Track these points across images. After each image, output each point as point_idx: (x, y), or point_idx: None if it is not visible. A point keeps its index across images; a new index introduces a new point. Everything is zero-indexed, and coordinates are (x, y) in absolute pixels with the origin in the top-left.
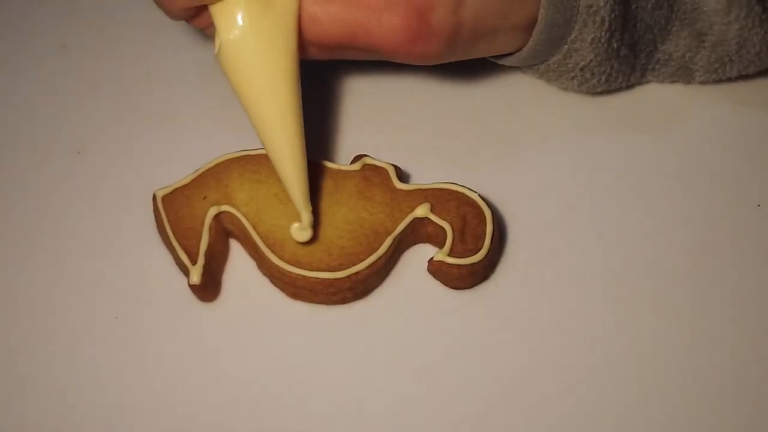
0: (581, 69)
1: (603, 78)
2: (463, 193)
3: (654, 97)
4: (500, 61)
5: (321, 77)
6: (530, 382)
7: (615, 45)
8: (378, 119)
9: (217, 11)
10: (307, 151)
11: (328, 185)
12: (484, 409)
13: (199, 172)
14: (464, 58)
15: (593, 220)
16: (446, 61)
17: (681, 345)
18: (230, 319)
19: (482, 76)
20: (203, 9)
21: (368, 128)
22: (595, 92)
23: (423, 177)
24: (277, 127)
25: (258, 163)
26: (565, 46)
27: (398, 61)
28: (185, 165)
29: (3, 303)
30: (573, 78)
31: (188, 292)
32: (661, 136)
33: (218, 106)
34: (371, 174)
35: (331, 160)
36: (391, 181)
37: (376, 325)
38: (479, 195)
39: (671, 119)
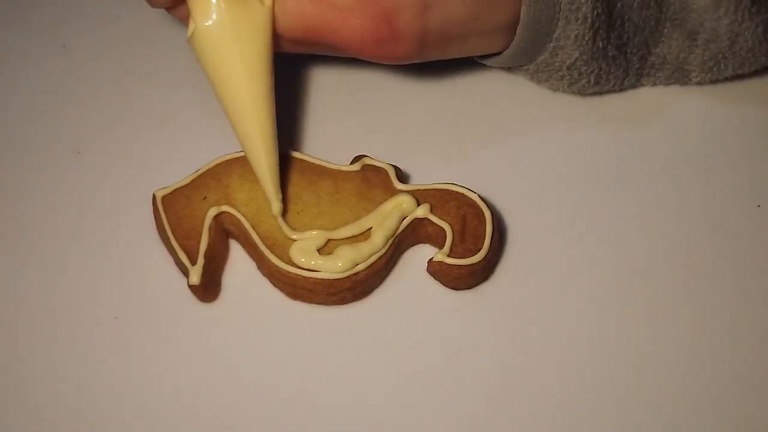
0: (568, 68)
1: (592, 79)
2: (462, 194)
3: (655, 99)
4: (488, 62)
5: (321, 77)
6: (530, 382)
7: (600, 44)
8: (378, 119)
9: None
10: (306, 151)
11: (328, 185)
12: (484, 409)
13: (199, 172)
14: (438, 59)
15: (593, 221)
16: (419, 61)
17: (681, 345)
18: (230, 319)
19: (482, 76)
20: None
21: (368, 128)
22: (586, 93)
23: (423, 177)
24: (250, 113)
25: None
26: (551, 44)
27: (366, 59)
28: (185, 165)
29: (3, 303)
30: (562, 78)
31: (188, 292)
32: (662, 138)
33: (218, 107)
34: (371, 174)
35: (332, 161)
36: (391, 182)
37: (376, 326)
38: (479, 195)
39: (672, 121)
